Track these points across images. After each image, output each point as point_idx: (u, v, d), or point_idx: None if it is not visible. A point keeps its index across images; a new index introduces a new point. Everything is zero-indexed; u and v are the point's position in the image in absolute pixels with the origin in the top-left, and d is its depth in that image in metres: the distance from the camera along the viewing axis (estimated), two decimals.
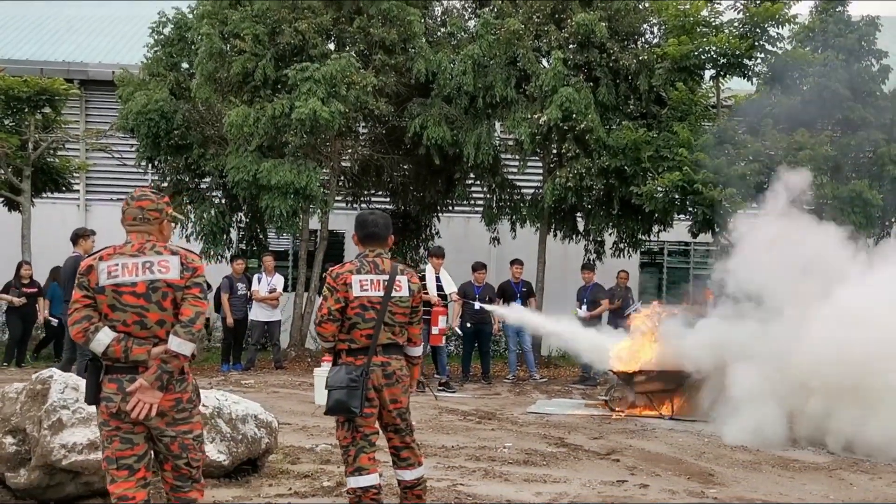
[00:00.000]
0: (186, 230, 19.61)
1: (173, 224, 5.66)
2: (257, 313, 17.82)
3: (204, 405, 7.62)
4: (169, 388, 5.21)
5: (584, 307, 17.47)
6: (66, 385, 7.11)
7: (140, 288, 5.21)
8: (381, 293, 6.31)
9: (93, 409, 5.60)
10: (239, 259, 18.51)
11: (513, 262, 17.79)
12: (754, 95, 19.31)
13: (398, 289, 6.39)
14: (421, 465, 6.60)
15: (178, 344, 5.16)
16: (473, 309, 16.61)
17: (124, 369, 5.18)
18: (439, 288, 15.74)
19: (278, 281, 18.09)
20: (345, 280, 6.28)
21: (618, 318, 17.26)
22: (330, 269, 6.46)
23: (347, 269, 6.37)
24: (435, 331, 15.34)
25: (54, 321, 18.16)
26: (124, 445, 5.20)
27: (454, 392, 15.37)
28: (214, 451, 7.65)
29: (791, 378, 10.74)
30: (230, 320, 17.70)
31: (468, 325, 16.74)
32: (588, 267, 18.34)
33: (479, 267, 17.16)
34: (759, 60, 18.70)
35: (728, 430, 10.99)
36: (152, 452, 5.33)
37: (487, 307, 16.32)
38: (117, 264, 5.23)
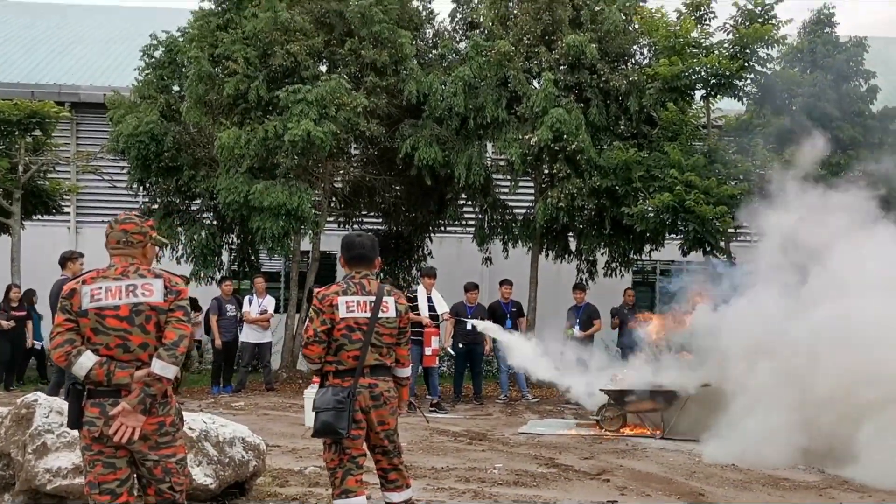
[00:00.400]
0: (177, 252, 19.59)
1: (158, 248, 5.65)
2: (248, 335, 17.77)
3: (191, 428, 7.60)
4: (152, 412, 5.20)
5: (577, 327, 17.43)
6: (50, 409, 7.08)
7: (123, 311, 5.20)
8: (368, 314, 6.32)
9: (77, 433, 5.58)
10: (227, 281, 18.49)
11: (502, 283, 17.79)
12: (744, 116, 19.40)
13: (385, 310, 6.40)
14: (409, 487, 6.59)
15: (162, 367, 5.14)
16: (465, 329, 16.59)
17: (107, 393, 5.17)
18: (431, 308, 15.76)
19: (269, 302, 18.07)
20: (331, 301, 6.29)
21: (625, 336, 17.25)
22: (316, 290, 6.46)
23: (333, 290, 6.37)
24: (428, 351, 15.38)
25: (38, 345, 18.17)
26: (107, 470, 5.18)
27: (446, 413, 15.32)
28: (201, 475, 7.61)
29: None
30: (218, 342, 17.67)
31: (460, 345, 16.70)
32: (580, 287, 18.33)
33: (471, 287, 17.18)
34: (748, 81, 18.79)
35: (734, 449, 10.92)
36: (135, 477, 5.31)
37: (479, 325, 16.28)
38: (100, 287, 5.23)
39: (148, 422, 5.18)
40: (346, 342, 6.26)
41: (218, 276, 19.53)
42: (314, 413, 6.24)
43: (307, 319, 6.37)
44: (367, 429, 6.32)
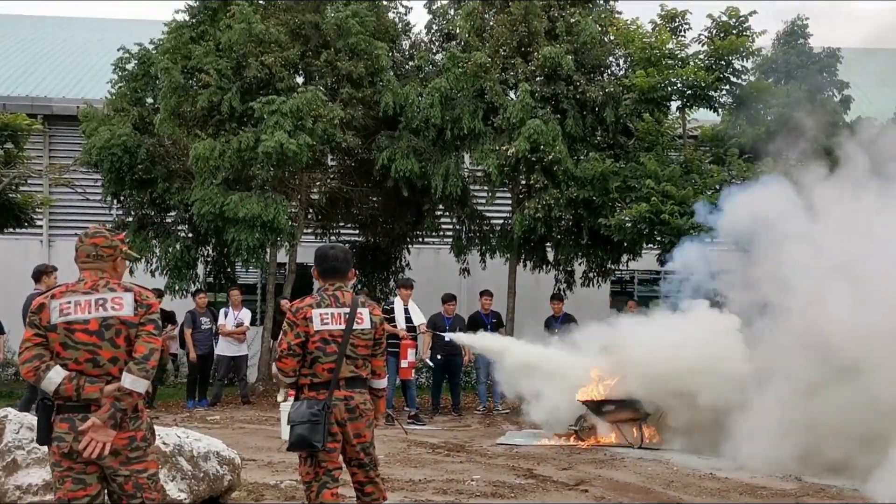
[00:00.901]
0: (151, 265, 19.49)
1: (128, 262, 5.61)
2: (223, 348, 17.69)
3: (164, 443, 7.55)
4: (122, 427, 5.15)
5: (556, 338, 17.34)
6: (21, 425, 7.01)
7: (93, 325, 5.15)
8: (343, 326, 6.31)
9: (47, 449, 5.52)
10: (201, 293, 18.38)
11: (482, 294, 17.80)
12: (720, 126, 19.48)
13: (360, 321, 6.39)
14: (385, 500, 6.58)
15: (132, 381, 5.10)
16: (443, 340, 16.57)
17: (76, 408, 5.12)
18: (408, 320, 15.76)
19: (245, 315, 17.99)
20: (304, 314, 6.28)
21: None
22: (289, 303, 6.43)
23: (307, 303, 6.36)
24: (404, 364, 15.35)
25: None
26: (77, 486, 5.12)
27: (424, 425, 15.30)
28: (175, 490, 7.56)
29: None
30: (193, 355, 17.57)
31: (438, 356, 16.67)
32: (557, 297, 18.38)
33: (448, 298, 17.18)
34: (724, 92, 18.87)
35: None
36: (106, 493, 5.25)
37: (456, 338, 16.24)
38: (70, 302, 5.18)
39: (118, 437, 5.13)
40: (321, 355, 6.25)
41: (193, 288, 19.43)
42: (289, 426, 6.21)
43: (281, 332, 6.32)
44: (342, 441, 6.29)
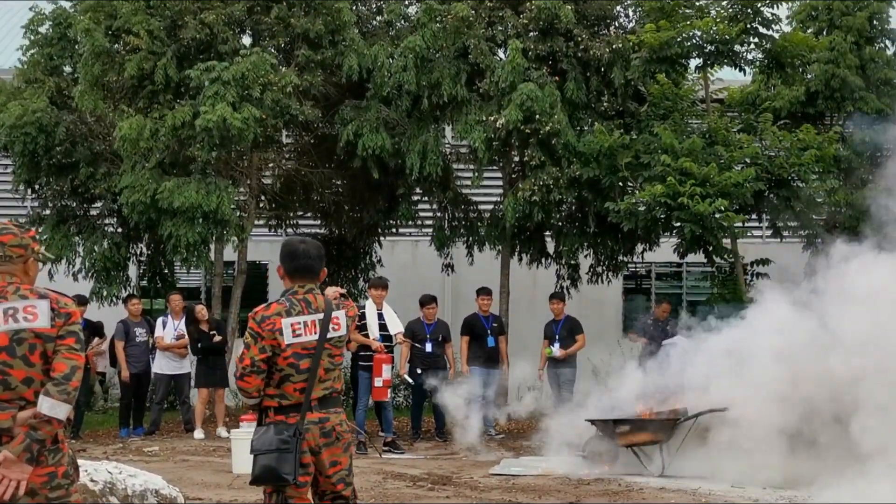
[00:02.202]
0: (74, 266, 19.45)
1: (42, 263, 5.59)
2: (162, 365, 17.66)
3: (93, 480, 7.56)
4: (40, 461, 5.13)
5: (557, 344, 17.39)
6: None
7: (2, 340, 5.14)
8: (317, 336, 6.28)
9: None
10: (134, 299, 18.31)
11: (479, 292, 17.76)
12: (749, 88, 19.54)
13: (336, 328, 6.37)
14: None
15: (51, 406, 5.08)
16: (424, 352, 16.57)
17: None
18: (382, 327, 15.64)
19: (185, 324, 17.92)
20: (272, 325, 6.22)
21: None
22: (254, 310, 6.35)
23: (275, 310, 6.28)
24: (378, 382, 15.14)
25: None
26: None
27: (402, 453, 15.32)
28: None
29: None
30: (125, 374, 17.51)
31: (418, 370, 16.60)
32: (558, 296, 18.31)
33: (428, 301, 17.15)
34: (752, 46, 18.92)
35: None
36: None
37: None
38: None
39: (36, 473, 5.12)
40: (293, 372, 6.21)
41: (124, 293, 19.40)
42: (252, 456, 6.18)
43: (243, 345, 6.26)
44: (315, 473, 6.25)
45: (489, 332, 17.32)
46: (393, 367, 15.97)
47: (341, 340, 6.41)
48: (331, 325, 6.33)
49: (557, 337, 17.50)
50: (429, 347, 16.64)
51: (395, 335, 15.88)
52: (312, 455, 6.21)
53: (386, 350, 15.51)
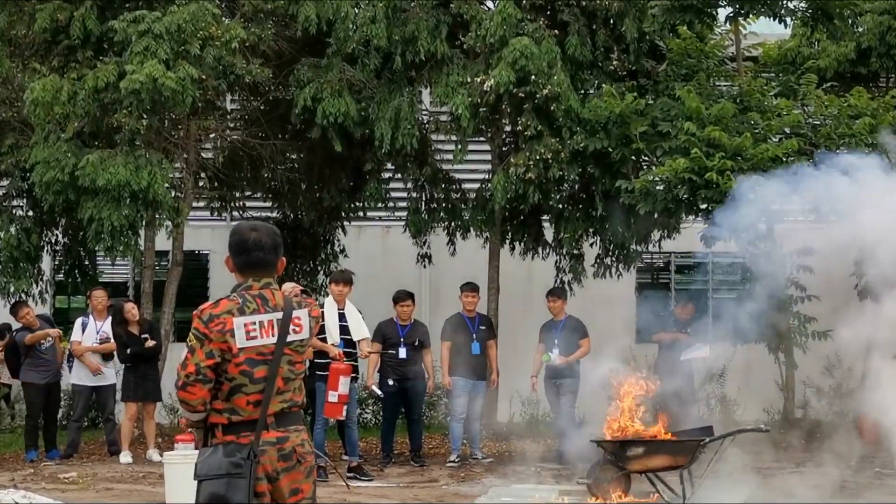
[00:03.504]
0: None
1: None
2: (81, 375, 17.69)
3: None
4: None
5: (556, 351, 17.36)
6: None
7: None
8: (275, 339, 6.31)
9: None
10: (24, 308, 18.01)
11: (464, 288, 17.73)
12: (789, 43, 19.60)
13: (297, 329, 6.40)
14: None
15: None
16: (397, 358, 16.60)
17: None
18: (343, 330, 15.62)
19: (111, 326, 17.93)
20: (222, 325, 6.24)
21: (667, 365, 17.49)
22: (200, 308, 6.33)
23: (225, 308, 6.29)
24: (332, 397, 14.94)
25: None
26: None
27: (370, 480, 15.40)
28: None
29: None
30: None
31: (390, 381, 16.63)
32: (558, 293, 18.29)
33: (402, 298, 17.17)
34: None
35: None
36: None
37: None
38: None
39: None
40: (247, 381, 6.24)
41: (35, 289, 19.41)
42: (197, 483, 6.19)
43: (186, 349, 6.25)
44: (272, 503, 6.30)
45: (474, 336, 17.34)
46: (356, 380, 15.97)
47: (303, 345, 6.44)
48: (291, 327, 6.36)
49: (556, 341, 17.51)
50: (403, 353, 16.65)
51: (359, 343, 15.83)
52: (269, 482, 6.23)
53: (347, 360, 15.36)
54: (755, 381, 20.45)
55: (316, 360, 15.00)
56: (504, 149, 19.44)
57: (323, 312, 15.17)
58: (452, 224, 20.62)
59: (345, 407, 15.30)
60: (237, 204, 21.62)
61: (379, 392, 16.66)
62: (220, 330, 6.20)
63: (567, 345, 17.43)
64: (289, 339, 6.33)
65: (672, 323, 18.47)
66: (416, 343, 16.92)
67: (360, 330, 15.88)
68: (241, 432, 6.22)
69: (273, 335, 6.28)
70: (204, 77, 17.43)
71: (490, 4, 18.72)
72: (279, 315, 6.33)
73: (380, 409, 18.22)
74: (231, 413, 6.24)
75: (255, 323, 6.26)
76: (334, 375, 14.91)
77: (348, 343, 15.63)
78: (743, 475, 13.47)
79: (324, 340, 15.13)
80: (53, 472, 15.75)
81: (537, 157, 17.96)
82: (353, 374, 15.64)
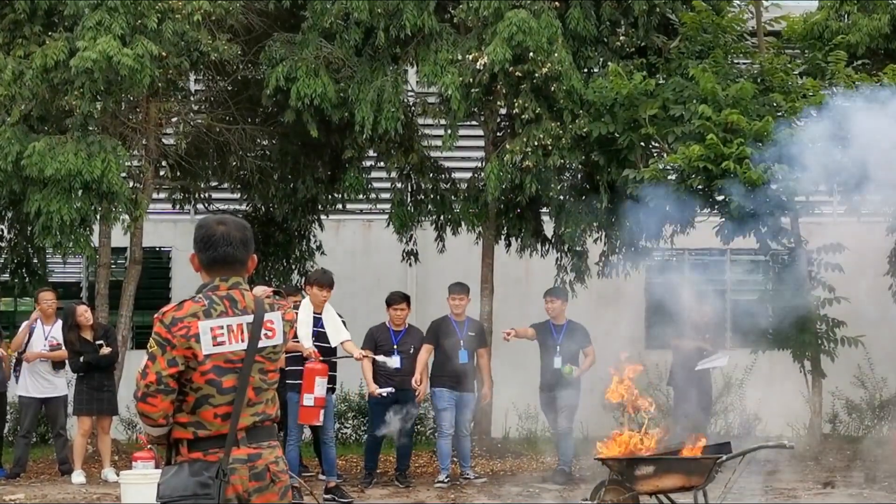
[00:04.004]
0: None
1: None
2: (29, 386, 17.63)
3: None
4: None
5: (559, 359, 17.26)
6: None
7: None
8: (245, 345, 6.28)
9: None
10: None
11: (452, 289, 17.64)
12: (816, 17, 19.57)
13: (269, 334, 6.38)
14: None
15: None
16: (391, 369, 16.43)
17: None
18: (320, 336, 15.54)
19: (60, 332, 17.86)
20: (186, 330, 6.19)
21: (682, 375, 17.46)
22: (161, 311, 6.30)
23: (190, 310, 6.24)
24: (308, 400, 14.92)
25: None
26: None
27: (350, 501, 15.38)
28: None
29: None
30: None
31: (384, 393, 16.48)
32: (557, 293, 18.19)
33: (396, 300, 17.08)
34: None
35: None
36: None
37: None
38: None
39: None
40: (214, 392, 6.20)
41: None
42: None
43: (146, 357, 6.19)
44: None
45: (462, 342, 17.14)
46: (332, 391, 15.93)
47: (276, 351, 6.41)
48: (263, 331, 6.34)
49: (558, 349, 17.39)
50: (397, 362, 16.55)
51: (343, 345, 15.78)
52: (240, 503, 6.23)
53: (322, 361, 15.20)
54: (778, 392, 20.35)
55: (287, 368, 14.72)
56: (499, 134, 19.49)
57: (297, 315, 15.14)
58: (441, 218, 20.64)
59: (321, 411, 15.22)
60: (202, 196, 21.65)
61: (384, 392, 16.41)
62: (184, 335, 6.15)
63: (569, 353, 17.37)
64: (260, 344, 6.31)
65: (688, 328, 18.34)
66: (412, 350, 16.83)
67: (340, 334, 15.77)
68: (208, 449, 6.19)
69: (243, 341, 6.27)
70: (164, 54, 17.46)
71: None
72: (249, 318, 6.31)
73: (361, 423, 18.03)
74: (197, 427, 6.20)
75: (222, 327, 6.23)
76: (309, 376, 14.87)
77: (325, 351, 15.48)
78: (764, 497, 13.39)
79: (296, 342, 14.89)
80: None
81: (535, 144, 18.05)
82: (331, 385, 15.50)
